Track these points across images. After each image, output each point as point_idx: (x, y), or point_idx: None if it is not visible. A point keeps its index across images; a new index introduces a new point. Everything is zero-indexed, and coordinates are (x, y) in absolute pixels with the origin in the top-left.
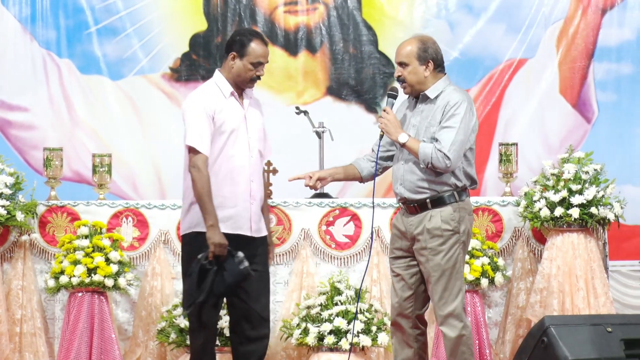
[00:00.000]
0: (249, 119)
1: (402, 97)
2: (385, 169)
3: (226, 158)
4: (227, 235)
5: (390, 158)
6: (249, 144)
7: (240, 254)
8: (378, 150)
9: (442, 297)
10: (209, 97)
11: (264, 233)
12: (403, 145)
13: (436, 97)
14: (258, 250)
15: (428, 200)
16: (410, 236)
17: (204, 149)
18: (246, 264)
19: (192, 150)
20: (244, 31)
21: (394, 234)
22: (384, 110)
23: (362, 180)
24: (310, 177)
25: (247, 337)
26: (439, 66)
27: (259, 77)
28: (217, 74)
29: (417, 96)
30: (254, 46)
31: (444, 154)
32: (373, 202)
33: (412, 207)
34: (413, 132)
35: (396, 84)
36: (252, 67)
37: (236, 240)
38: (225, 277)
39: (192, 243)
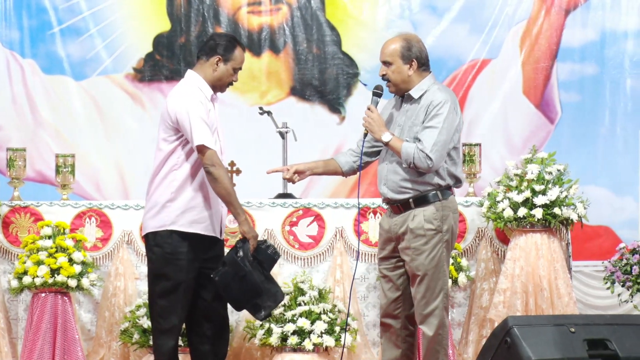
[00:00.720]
0: (219, 123)
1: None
2: (368, 163)
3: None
4: (200, 236)
5: (375, 153)
6: (221, 147)
7: (266, 240)
8: (362, 147)
9: (425, 296)
10: (202, 98)
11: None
12: (386, 144)
13: (420, 97)
14: (216, 249)
15: (411, 200)
16: (395, 236)
17: (213, 146)
18: (271, 247)
19: (204, 149)
20: (228, 36)
21: (380, 235)
22: (369, 109)
23: (343, 174)
24: (288, 170)
25: (208, 336)
26: (423, 65)
27: (232, 83)
28: (195, 76)
29: (403, 95)
30: (238, 53)
31: (426, 154)
32: (358, 198)
33: (396, 207)
34: (398, 131)
35: (382, 83)
36: (234, 72)
37: (208, 242)
38: (266, 267)
39: (166, 241)
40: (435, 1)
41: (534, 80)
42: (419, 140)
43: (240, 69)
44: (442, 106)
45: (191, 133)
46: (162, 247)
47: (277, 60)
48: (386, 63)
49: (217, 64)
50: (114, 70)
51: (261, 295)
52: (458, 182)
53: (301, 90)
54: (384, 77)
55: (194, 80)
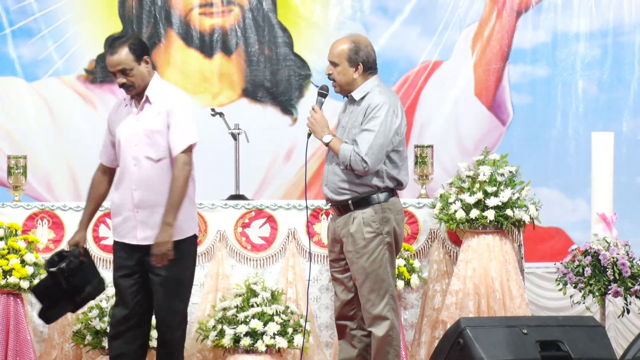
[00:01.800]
0: (137, 126)
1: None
2: None
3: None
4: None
5: None
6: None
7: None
8: (307, 147)
9: (369, 299)
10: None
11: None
12: (327, 145)
13: (361, 99)
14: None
15: (350, 202)
16: (339, 237)
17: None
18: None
19: (190, 149)
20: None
21: (328, 237)
22: (312, 109)
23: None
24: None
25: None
26: (369, 69)
27: (123, 86)
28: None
29: (342, 94)
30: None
31: (362, 157)
32: (306, 199)
33: (337, 208)
34: (340, 132)
35: (328, 82)
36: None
37: (121, 247)
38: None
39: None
40: (386, 3)
41: (485, 82)
42: (355, 143)
43: (111, 72)
44: (380, 109)
45: (183, 131)
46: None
47: (229, 62)
48: (333, 63)
49: None
50: (66, 72)
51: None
52: (399, 184)
53: (253, 91)
54: (329, 76)
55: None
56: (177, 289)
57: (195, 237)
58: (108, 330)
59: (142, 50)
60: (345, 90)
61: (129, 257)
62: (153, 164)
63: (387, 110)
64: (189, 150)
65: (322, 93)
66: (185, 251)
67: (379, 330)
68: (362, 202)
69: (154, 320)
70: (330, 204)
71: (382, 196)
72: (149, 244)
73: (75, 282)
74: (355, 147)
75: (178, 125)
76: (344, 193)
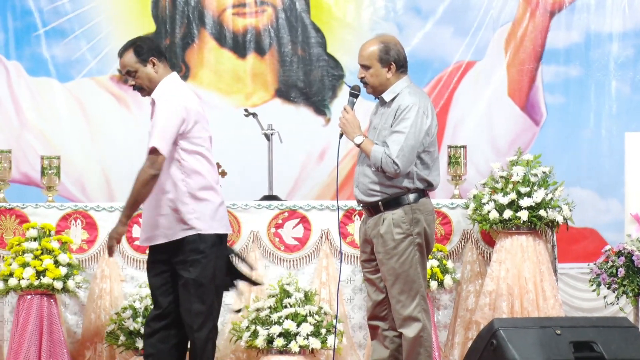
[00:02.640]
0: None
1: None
2: None
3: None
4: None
5: None
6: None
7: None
8: (339, 147)
9: (399, 300)
10: None
11: (157, 241)
12: (358, 147)
13: (392, 100)
14: (178, 256)
15: (380, 203)
16: (370, 238)
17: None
18: None
19: (155, 151)
20: None
21: (360, 238)
22: (344, 109)
23: None
24: None
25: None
26: (401, 67)
27: (134, 88)
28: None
29: (375, 95)
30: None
31: (392, 160)
32: (337, 199)
33: (368, 209)
34: (373, 134)
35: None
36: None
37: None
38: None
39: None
40: (419, 3)
41: (518, 83)
42: (387, 145)
43: (122, 72)
44: (409, 110)
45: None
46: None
47: (262, 62)
48: (364, 66)
49: None
50: (99, 72)
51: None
52: (430, 185)
53: (286, 92)
54: (362, 79)
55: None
56: (196, 290)
57: (217, 236)
58: (142, 331)
59: (149, 52)
60: (378, 92)
61: (156, 257)
62: None
63: (417, 112)
64: (154, 152)
65: (354, 93)
66: (205, 251)
67: (410, 332)
68: (392, 203)
69: None
70: (361, 205)
71: (412, 197)
72: (161, 242)
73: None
74: (386, 149)
75: (152, 127)
76: (374, 194)
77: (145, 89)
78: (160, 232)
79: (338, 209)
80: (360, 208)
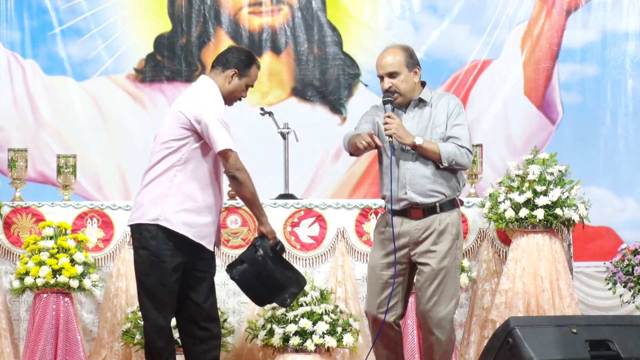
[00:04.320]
0: None
1: (364, 106)
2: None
3: (210, 169)
4: (186, 239)
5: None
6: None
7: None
8: (391, 156)
9: (439, 300)
10: (223, 105)
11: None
12: (417, 148)
13: (431, 99)
14: (205, 253)
15: (437, 204)
16: (414, 240)
17: (235, 149)
18: (279, 243)
19: (227, 153)
20: (247, 52)
21: (386, 241)
22: (389, 117)
23: None
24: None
25: (199, 337)
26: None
27: (241, 98)
28: (212, 83)
29: (405, 103)
30: (254, 70)
31: (467, 149)
32: (392, 218)
33: (420, 211)
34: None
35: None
36: (246, 88)
37: (194, 247)
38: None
39: (152, 237)
40: (435, 2)
41: (535, 81)
42: (453, 138)
43: (252, 86)
44: (458, 106)
45: (215, 137)
46: (147, 246)
47: (279, 61)
48: (392, 74)
49: (232, 77)
50: (115, 71)
51: (285, 288)
52: (464, 184)
53: (302, 90)
54: (389, 89)
55: (213, 87)
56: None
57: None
58: None
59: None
60: (407, 99)
61: (180, 259)
62: None
63: (462, 107)
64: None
65: (389, 100)
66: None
67: (444, 334)
68: (447, 204)
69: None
70: (410, 207)
71: (459, 201)
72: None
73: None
74: (456, 141)
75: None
76: (435, 195)
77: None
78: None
79: (392, 215)
80: (398, 209)
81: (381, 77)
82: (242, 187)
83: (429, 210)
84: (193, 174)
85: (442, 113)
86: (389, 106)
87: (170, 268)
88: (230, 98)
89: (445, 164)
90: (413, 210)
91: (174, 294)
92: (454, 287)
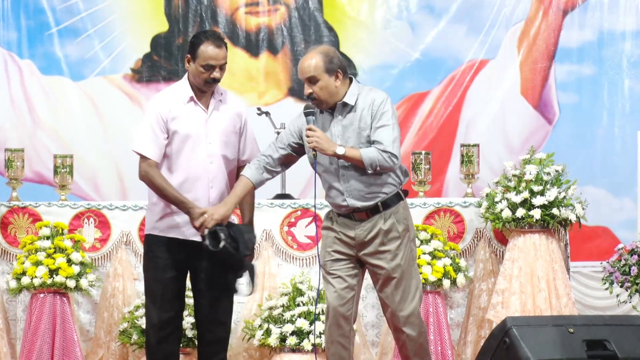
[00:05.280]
0: (211, 124)
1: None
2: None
3: (182, 166)
4: (177, 241)
5: (285, 163)
6: (207, 150)
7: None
8: (315, 169)
9: (403, 297)
10: (165, 102)
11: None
12: (342, 157)
13: (355, 102)
14: (217, 254)
15: (379, 204)
16: (360, 241)
17: (151, 154)
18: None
19: (140, 157)
20: (198, 33)
21: (333, 237)
22: (310, 129)
23: (254, 188)
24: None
25: (206, 340)
26: (345, 73)
27: (214, 80)
28: (184, 77)
29: (330, 108)
30: (204, 48)
31: (390, 152)
32: (315, 223)
33: (363, 213)
34: (339, 142)
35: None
36: (203, 69)
37: (189, 245)
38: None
39: (147, 246)
40: (432, 1)
41: (531, 81)
42: (375, 142)
43: (211, 65)
44: (385, 103)
45: (135, 135)
46: (145, 252)
47: (275, 61)
48: (311, 80)
49: (189, 64)
50: (112, 71)
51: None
52: (406, 175)
53: (299, 90)
54: (310, 96)
55: (180, 81)
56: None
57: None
58: None
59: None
60: (329, 104)
61: (175, 256)
62: None
63: (390, 103)
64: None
65: (310, 112)
66: None
67: (414, 330)
68: (390, 201)
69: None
70: (350, 212)
71: (402, 193)
72: None
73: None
74: (378, 145)
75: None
76: (374, 197)
77: None
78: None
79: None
80: (341, 213)
81: (303, 82)
82: (151, 187)
83: (372, 211)
84: (173, 177)
85: (367, 115)
86: (310, 118)
87: (163, 265)
88: (197, 84)
89: (370, 171)
90: (356, 213)
91: (169, 290)
92: (415, 281)
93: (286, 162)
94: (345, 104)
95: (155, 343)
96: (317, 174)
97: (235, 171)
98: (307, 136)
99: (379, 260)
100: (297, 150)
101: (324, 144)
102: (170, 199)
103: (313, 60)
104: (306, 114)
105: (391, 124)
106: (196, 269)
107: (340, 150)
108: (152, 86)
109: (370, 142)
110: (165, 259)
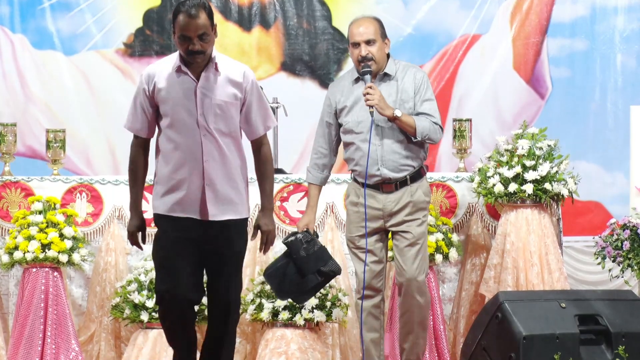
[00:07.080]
0: (202, 95)
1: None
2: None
3: (174, 138)
4: (179, 219)
5: (336, 150)
6: (197, 122)
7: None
8: (372, 125)
9: (420, 265)
10: (151, 75)
11: (227, 217)
12: (396, 120)
13: (395, 74)
14: (222, 233)
15: (408, 177)
16: (388, 212)
17: (135, 130)
18: None
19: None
20: (178, 3)
21: (361, 212)
22: (370, 87)
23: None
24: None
25: (211, 318)
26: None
27: (195, 51)
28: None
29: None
30: (179, 20)
31: (440, 126)
32: (365, 186)
33: (392, 185)
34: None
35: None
36: (180, 41)
37: (190, 222)
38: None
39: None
40: None
41: (524, 56)
42: (423, 114)
43: (184, 36)
44: (427, 78)
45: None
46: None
47: (268, 36)
48: (369, 42)
49: (174, 36)
50: (104, 46)
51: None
52: (427, 151)
53: (292, 65)
54: (366, 56)
55: (171, 55)
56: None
57: None
58: (147, 304)
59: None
60: (379, 67)
61: (184, 234)
62: None
63: (429, 80)
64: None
65: (368, 71)
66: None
67: (423, 297)
68: (416, 175)
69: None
70: (382, 182)
71: (426, 168)
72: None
73: (315, 253)
74: (429, 117)
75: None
76: (405, 169)
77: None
78: (233, 207)
79: (365, 185)
80: (370, 184)
81: (356, 45)
82: None
83: (400, 183)
84: (163, 153)
85: (410, 88)
86: (368, 77)
87: (172, 237)
88: (185, 56)
89: (419, 138)
90: (385, 185)
91: (171, 260)
92: (426, 253)
93: (337, 148)
94: (386, 74)
95: (163, 311)
96: (371, 136)
97: (238, 145)
98: (367, 93)
99: (407, 227)
100: (338, 130)
101: (382, 103)
102: (130, 188)
103: (371, 25)
104: (364, 73)
105: (434, 99)
106: (207, 245)
107: (398, 113)
108: (145, 60)
109: (411, 115)
110: (171, 232)
